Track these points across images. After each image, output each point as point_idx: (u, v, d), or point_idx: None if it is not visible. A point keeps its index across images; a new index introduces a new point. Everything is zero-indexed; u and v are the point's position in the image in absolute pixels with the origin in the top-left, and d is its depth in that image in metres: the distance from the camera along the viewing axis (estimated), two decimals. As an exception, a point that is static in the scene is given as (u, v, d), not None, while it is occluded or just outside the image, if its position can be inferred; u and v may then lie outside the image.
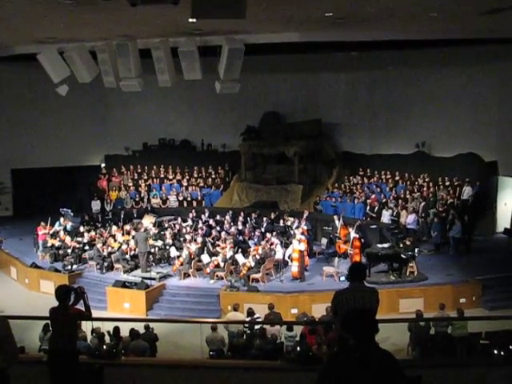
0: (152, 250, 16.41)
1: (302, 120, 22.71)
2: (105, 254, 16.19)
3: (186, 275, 15.24)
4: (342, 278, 14.04)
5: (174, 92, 21.33)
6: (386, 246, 15.47)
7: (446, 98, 20.19)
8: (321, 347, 9.18)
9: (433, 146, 20.88)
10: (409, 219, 17.48)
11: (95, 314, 6.00)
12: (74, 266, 16.05)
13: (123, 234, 17.80)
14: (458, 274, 14.55)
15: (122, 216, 20.11)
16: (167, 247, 16.91)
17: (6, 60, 16.50)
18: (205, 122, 24.36)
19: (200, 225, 18.60)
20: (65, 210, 19.28)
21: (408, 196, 19.26)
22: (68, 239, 17.16)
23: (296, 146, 21.71)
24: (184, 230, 18.12)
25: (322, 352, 8.60)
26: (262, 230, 17.97)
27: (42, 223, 18.26)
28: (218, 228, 18.27)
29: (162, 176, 23.78)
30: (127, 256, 16.02)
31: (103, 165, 24.37)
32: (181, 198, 22.41)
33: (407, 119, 21.41)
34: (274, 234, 17.11)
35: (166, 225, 19.06)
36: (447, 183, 19.54)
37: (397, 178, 20.83)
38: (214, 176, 23.85)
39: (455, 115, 20.00)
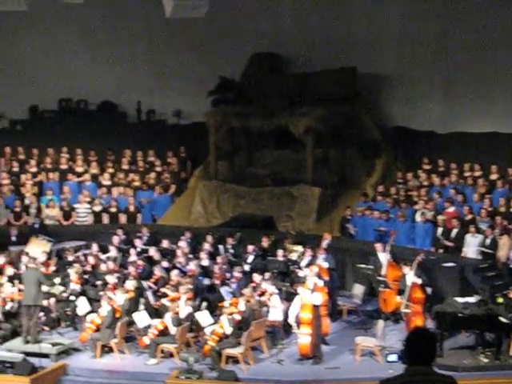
0: (44, 303, 16.37)
1: (321, 69, 22.67)
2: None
3: (106, 349, 15.28)
4: (392, 358, 13.83)
5: (88, 18, 21.46)
6: (472, 300, 15.48)
7: None
8: None
9: None
10: (514, 252, 17.69)
11: None
12: None
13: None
14: None
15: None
16: (72, 298, 16.91)
17: None
18: (143, 72, 24.40)
19: (133, 257, 18.62)
20: None
21: (515, 209, 19.48)
22: None
23: (310, 116, 21.66)
24: (103, 267, 18.17)
25: None
26: (246, 268, 18.08)
27: None
28: (166, 264, 18.32)
29: (63, 167, 23.74)
30: (-3, 314, 15.87)
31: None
32: (98, 209, 22.47)
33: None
34: (268, 275, 17.16)
35: (71, 257, 19.01)
36: None
37: (494, 175, 21.01)
38: (159, 169, 23.87)
39: None
